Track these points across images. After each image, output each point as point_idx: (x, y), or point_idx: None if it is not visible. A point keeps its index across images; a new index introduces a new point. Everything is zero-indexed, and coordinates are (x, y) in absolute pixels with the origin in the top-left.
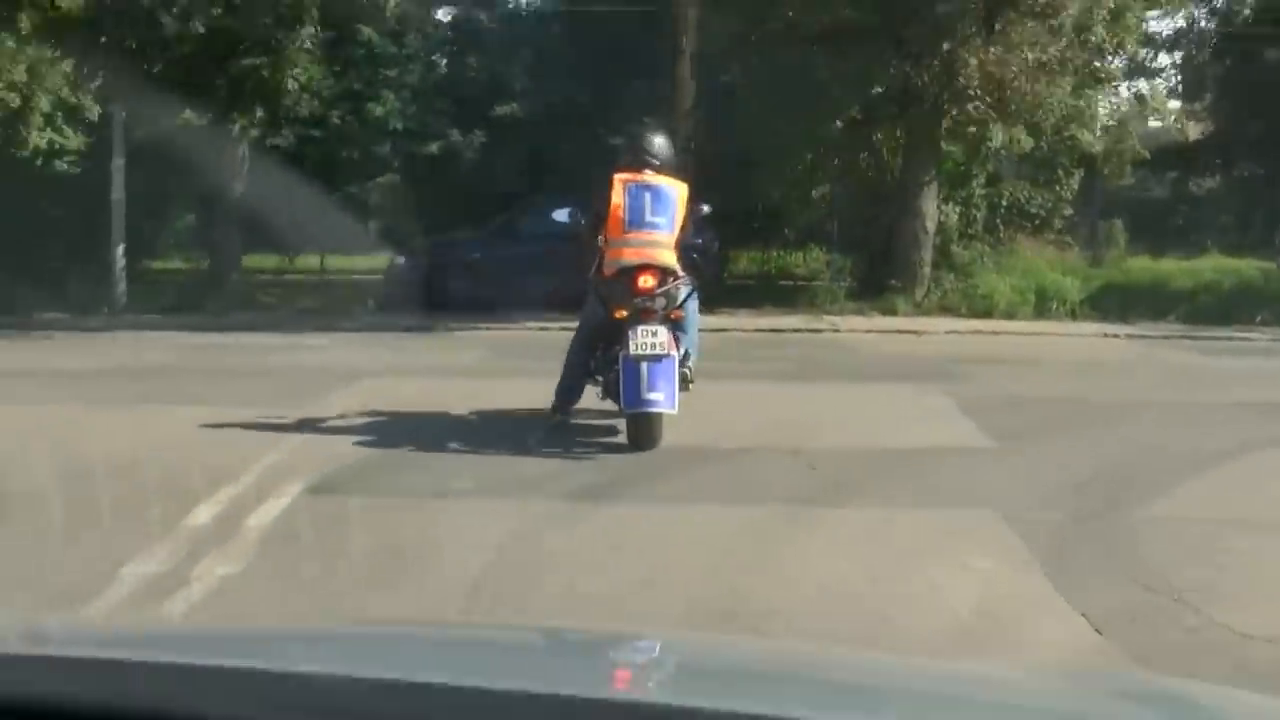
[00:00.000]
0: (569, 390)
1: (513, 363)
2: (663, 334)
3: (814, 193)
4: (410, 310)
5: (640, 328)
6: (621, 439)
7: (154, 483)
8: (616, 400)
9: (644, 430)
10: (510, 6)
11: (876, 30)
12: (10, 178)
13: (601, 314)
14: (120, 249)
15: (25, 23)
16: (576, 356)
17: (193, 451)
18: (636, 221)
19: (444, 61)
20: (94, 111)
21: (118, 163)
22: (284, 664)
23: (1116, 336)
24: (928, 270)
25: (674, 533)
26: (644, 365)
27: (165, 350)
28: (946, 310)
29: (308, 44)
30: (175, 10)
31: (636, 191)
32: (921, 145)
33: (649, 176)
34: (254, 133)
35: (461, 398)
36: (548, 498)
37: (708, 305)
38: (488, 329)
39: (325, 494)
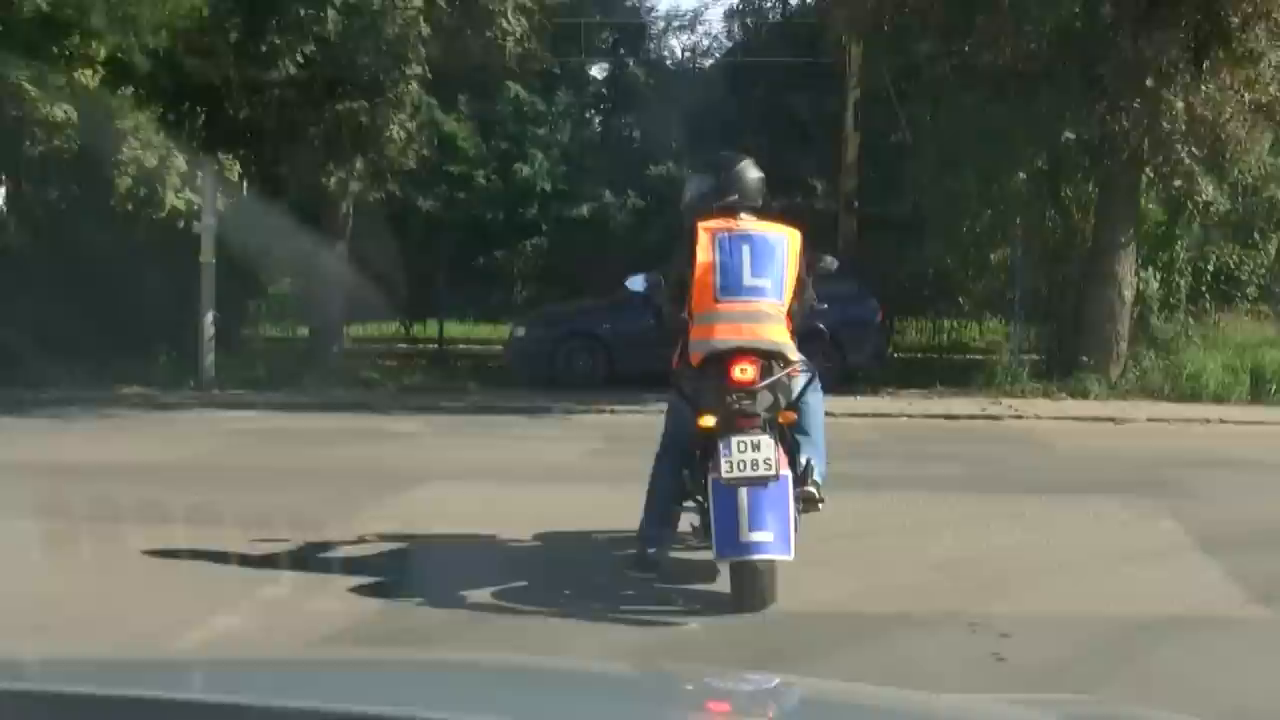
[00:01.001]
0: (655, 531)
1: (626, 459)
2: (768, 446)
3: (992, 256)
4: (528, 388)
5: (735, 439)
6: (723, 587)
7: None
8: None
9: (747, 585)
10: (668, 63)
11: (1066, 68)
12: (136, 240)
13: (690, 417)
14: (209, 317)
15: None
16: (662, 480)
17: (109, 611)
18: (732, 286)
19: (597, 120)
20: (233, 171)
21: (208, 222)
22: (271, 699)
23: None
24: (1124, 346)
25: None
26: (743, 493)
27: (222, 437)
28: (1146, 392)
29: (413, 85)
30: (264, 48)
31: (730, 244)
32: (1118, 201)
33: (746, 223)
34: (354, 186)
35: (538, 513)
36: None
37: (870, 385)
38: (612, 411)
39: None
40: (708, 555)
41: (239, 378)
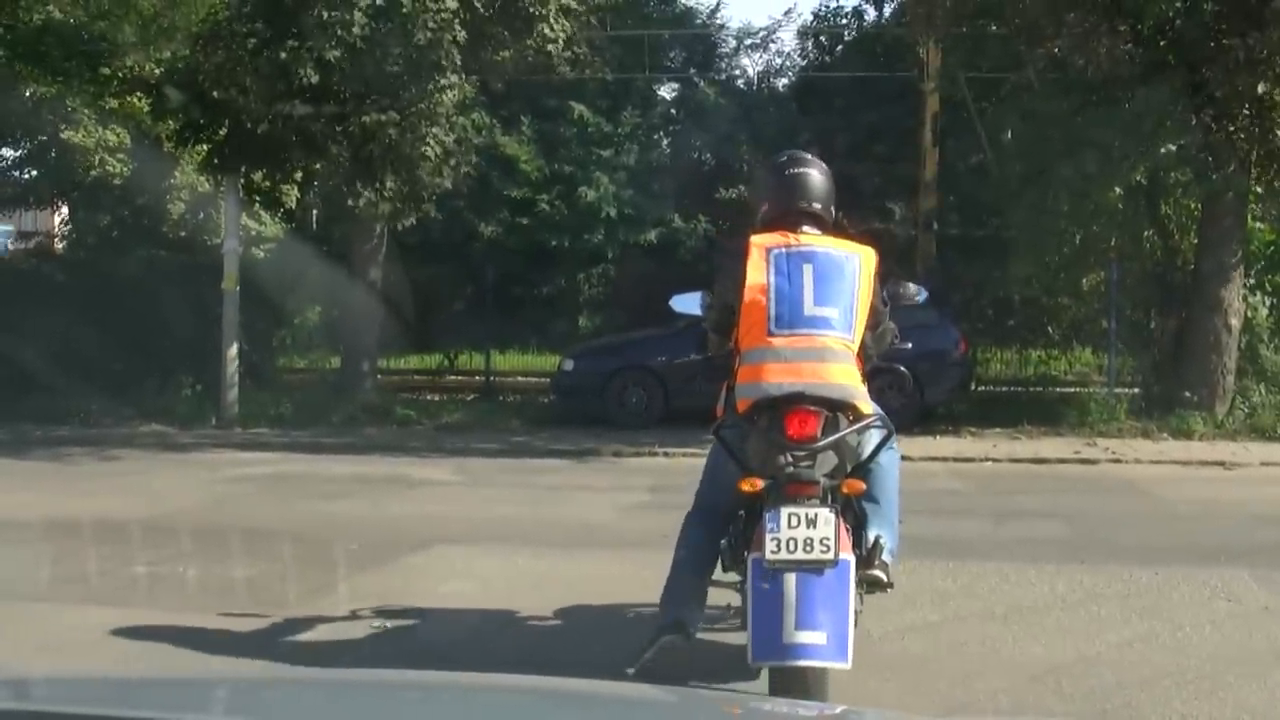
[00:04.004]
0: (681, 598)
1: (669, 516)
2: (826, 522)
3: (1084, 280)
4: (576, 427)
5: (786, 511)
6: (765, 687)
7: None
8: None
9: (790, 693)
10: (739, 82)
11: (1167, 71)
12: (180, 267)
13: (732, 477)
14: (233, 349)
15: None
16: (688, 549)
17: None
18: (789, 316)
19: (665, 141)
20: (291, 197)
21: (231, 246)
22: (269, 715)
23: None
24: (1231, 379)
25: None
26: (790, 580)
27: (222, 486)
28: (1256, 432)
29: (448, 95)
30: (284, 55)
31: (789, 264)
32: (1224, 218)
33: (809, 238)
34: (384, 207)
35: (549, 592)
36: None
37: (950, 423)
38: (665, 454)
39: None
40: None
41: (265, 414)
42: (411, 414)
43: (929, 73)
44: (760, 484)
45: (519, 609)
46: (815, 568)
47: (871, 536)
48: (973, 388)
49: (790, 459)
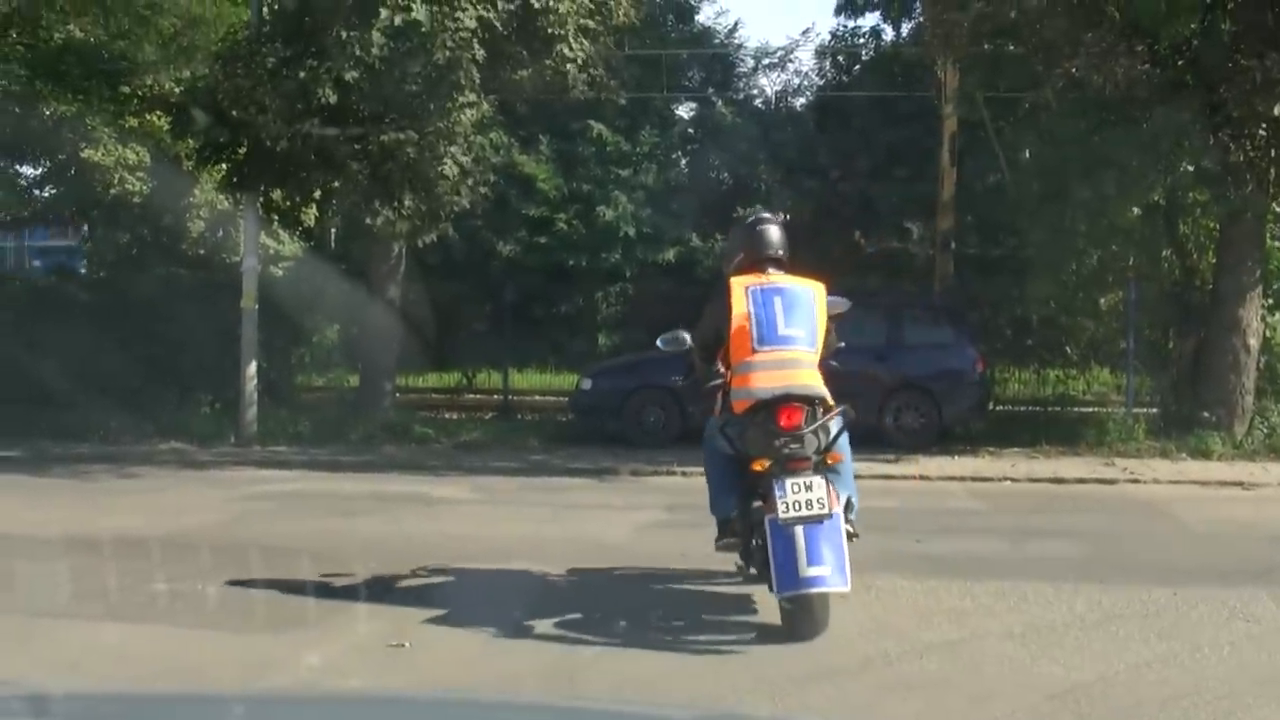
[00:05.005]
0: (722, 499)
1: (682, 536)
2: (819, 486)
3: (1102, 300)
4: (594, 445)
5: (789, 481)
6: (768, 617)
7: None
8: (764, 576)
9: (806, 616)
10: (757, 102)
11: (1185, 90)
12: (199, 285)
13: (729, 458)
14: (252, 367)
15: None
16: (713, 460)
17: None
18: (768, 336)
19: (683, 160)
20: (310, 216)
21: (250, 264)
22: None
23: None
24: (1250, 399)
25: None
26: (799, 531)
27: (238, 504)
28: (1275, 452)
29: (467, 115)
30: (303, 74)
31: (764, 297)
32: (1242, 238)
33: (776, 277)
34: (402, 226)
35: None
36: None
37: (968, 443)
38: (683, 473)
39: None
40: (746, 589)
41: (284, 432)
42: (430, 432)
43: (947, 93)
44: (767, 463)
45: (536, 626)
46: (816, 520)
47: (843, 498)
48: (991, 407)
49: (785, 442)
